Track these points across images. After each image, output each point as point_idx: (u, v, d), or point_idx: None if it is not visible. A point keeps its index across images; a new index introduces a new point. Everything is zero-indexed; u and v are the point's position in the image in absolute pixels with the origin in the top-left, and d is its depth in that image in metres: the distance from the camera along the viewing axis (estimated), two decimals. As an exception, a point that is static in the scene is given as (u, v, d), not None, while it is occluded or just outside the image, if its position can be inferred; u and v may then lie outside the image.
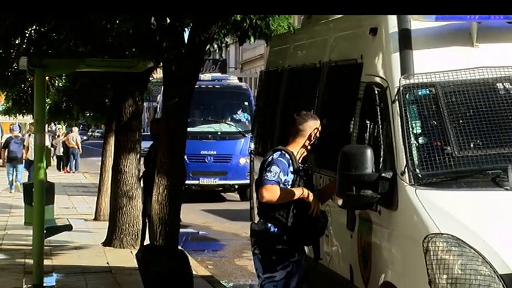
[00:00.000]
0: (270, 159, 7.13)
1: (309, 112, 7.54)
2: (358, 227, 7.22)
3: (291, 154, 7.15)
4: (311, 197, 7.04)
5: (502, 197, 6.18)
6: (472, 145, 6.51)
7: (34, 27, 13.21)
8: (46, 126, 20.31)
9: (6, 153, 28.63)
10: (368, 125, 6.83)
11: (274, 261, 7.10)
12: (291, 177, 7.08)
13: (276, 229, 7.07)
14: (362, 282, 7.14)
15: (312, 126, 7.20)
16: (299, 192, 7.02)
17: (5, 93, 22.79)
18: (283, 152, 7.15)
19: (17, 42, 13.46)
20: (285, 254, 7.09)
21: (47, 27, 13.03)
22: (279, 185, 7.00)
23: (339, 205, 6.73)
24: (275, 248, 7.08)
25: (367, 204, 6.53)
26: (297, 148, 7.22)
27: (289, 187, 7.08)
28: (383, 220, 6.59)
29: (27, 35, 13.28)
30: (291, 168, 7.10)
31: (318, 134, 7.24)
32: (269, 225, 7.08)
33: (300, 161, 7.21)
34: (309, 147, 7.25)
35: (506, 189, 6.19)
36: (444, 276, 5.85)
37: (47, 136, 19.19)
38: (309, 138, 7.21)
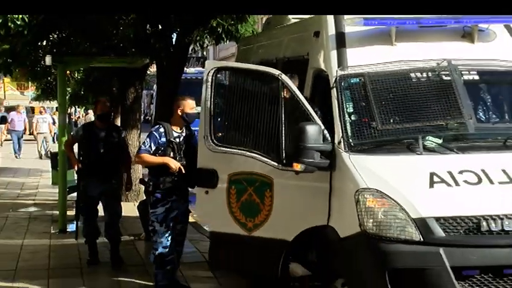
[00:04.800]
0: (153, 129, 7.74)
1: (184, 96, 8.04)
2: (233, 185, 7.04)
3: (165, 127, 7.67)
4: (172, 164, 7.49)
5: (414, 160, 6.19)
6: (391, 121, 6.50)
7: (56, 33, 13.22)
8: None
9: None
10: (307, 105, 6.66)
11: (155, 201, 7.65)
12: (163, 141, 7.61)
13: (155, 179, 7.64)
14: (239, 226, 7.03)
15: (178, 105, 7.76)
16: (161, 159, 7.55)
17: (35, 84, 22.75)
18: (159, 125, 7.74)
19: (43, 44, 13.41)
20: (163, 196, 7.63)
21: (66, 33, 13.05)
22: (149, 153, 7.56)
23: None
24: (155, 193, 7.62)
25: (319, 167, 6.28)
26: (173, 122, 7.76)
27: (161, 149, 7.61)
28: (315, 179, 6.38)
29: (51, 39, 13.28)
30: (163, 139, 7.61)
31: (187, 111, 7.67)
32: (152, 178, 7.69)
33: (180, 130, 7.75)
34: (180, 120, 7.73)
35: (418, 154, 6.20)
36: (371, 220, 5.88)
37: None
38: (176, 113, 7.72)
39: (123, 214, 11.76)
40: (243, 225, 7.01)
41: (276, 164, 6.62)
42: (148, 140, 7.61)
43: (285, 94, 6.64)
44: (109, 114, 9.61)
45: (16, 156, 26.98)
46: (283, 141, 6.52)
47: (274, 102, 6.70)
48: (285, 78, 6.65)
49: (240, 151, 6.98)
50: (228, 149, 7.09)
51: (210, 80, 7.20)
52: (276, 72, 6.77)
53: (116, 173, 9.37)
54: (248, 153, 6.89)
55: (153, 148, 7.58)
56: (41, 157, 26.71)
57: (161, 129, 7.67)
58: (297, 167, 6.28)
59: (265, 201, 6.83)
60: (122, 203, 10.14)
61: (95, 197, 9.21)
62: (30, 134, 30.11)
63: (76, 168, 9.33)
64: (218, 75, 7.25)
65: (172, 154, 7.62)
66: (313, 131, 6.20)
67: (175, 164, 7.53)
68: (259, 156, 6.79)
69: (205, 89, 7.21)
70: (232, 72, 7.41)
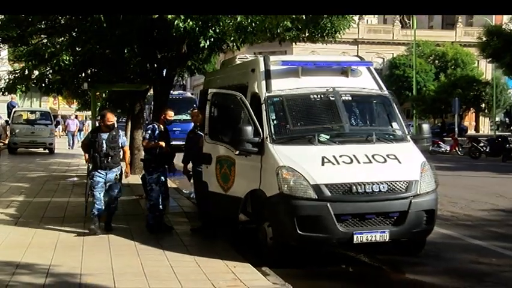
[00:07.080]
0: (147, 127, 7.67)
1: (168, 108, 7.96)
2: (218, 163, 6.93)
3: (157, 125, 7.59)
4: (162, 144, 7.46)
5: (312, 149, 6.08)
6: (298, 124, 6.39)
7: (90, 69, 12.97)
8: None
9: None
10: (252, 114, 6.50)
11: (152, 171, 7.56)
12: (157, 133, 7.50)
13: (150, 157, 7.52)
14: (220, 188, 6.87)
15: (164, 113, 7.70)
16: (157, 144, 7.45)
17: (77, 100, 22.35)
18: (154, 124, 7.66)
19: (82, 75, 13.14)
20: (156, 167, 7.52)
21: (97, 69, 12.78)
22: (150, 140, 7.47)
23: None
24: (152, 165, 7.54)
25: (251, 152, 6.18)
26: (161, 122, 7.65)
27: (157, 137, 7.50)
28: (253, 160, 6.23)
29: (88, 72, 13.03)
30: (157, 131, 7.50)
31: (167, 117, 7.63)
32: (147, 156, 7.59)
33: (162, 126, 7.59)
34: (164, 121, 7.66)
35: (315, 145, 6.09)
36: (286, 185, 5.76)
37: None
38: (162, 117, 7.69)
39: (132, 182, 11.35)
40: (222, 188, 6.91)
41: (234, 150, 6.51)
42: (149, 132, 7.54)
43: (242, 107, 6.52)
44: (113, 125, 7.60)
45: (69, 148, 26.08)
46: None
47: (237, 113, 6.65)
48: (242, 98, 6.52)
49: (220, 142, 6.97)
50: (215, 141, 7.09)
51: (210, 99, 7.24)
52: (238, 94, 6.62)
53: (117, 164, 7.63)
54: (224, 144, 6.84)
55: (152, 137, 7.52)
56: None
57: (156, 125, 7.62)
58: (235, 152, 6.29)
59: (232, 173, 6.73)
60: (131, 175, 9.64)
61: (101, 183, 7.57)
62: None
63: (86, 160, 7.99)
64: (213, 97, 7.26)
65: (163, 140, 7.58)
66: (247, 129, 6.09)
67: (163, 145, 7.54)
68: (229, 146, 6.69)
69: (207, 105, 7.28)
70: (219, 95, 7.27)
